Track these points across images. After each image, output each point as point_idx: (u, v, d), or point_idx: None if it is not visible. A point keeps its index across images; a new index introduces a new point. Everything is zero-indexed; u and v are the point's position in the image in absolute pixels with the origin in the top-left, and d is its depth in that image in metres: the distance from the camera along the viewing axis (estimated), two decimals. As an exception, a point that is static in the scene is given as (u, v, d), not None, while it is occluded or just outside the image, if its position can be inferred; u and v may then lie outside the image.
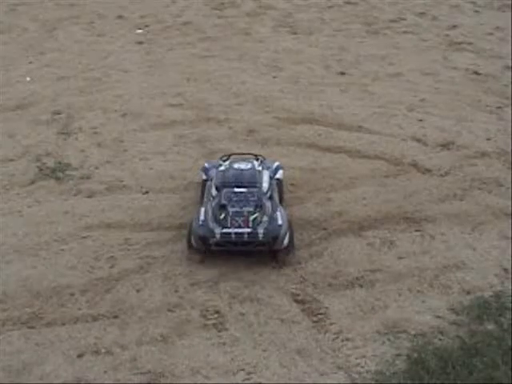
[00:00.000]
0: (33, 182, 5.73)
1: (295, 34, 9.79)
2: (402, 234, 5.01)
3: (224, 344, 4.00)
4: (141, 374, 3.78)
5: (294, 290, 4.43)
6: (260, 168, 5.06)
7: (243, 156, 5.29)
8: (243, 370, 3.82)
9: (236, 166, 5.03)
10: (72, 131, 6.61)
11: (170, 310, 4.25)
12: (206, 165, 5.38)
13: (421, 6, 11.27)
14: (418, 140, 6.40)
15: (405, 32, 9.91)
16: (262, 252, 4.60)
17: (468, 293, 4.40)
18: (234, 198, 4.61)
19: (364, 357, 3.89)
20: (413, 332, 4.06)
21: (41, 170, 5.90)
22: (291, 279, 4.54)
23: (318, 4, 11.36)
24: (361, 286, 4.46)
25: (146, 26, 10.21)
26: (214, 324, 4.15)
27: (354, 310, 4.26)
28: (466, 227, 5.09)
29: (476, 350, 3.87)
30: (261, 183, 4.84)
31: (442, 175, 5.80)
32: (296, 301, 4.34)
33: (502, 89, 7.67)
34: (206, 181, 5.16)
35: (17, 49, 9.12)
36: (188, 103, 7.19)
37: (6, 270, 4.62)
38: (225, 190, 4.69)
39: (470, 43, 9.33)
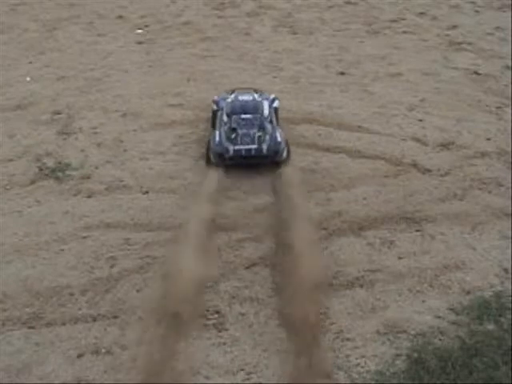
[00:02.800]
0: (33, 182, 5.73)
1: (295, 34, 9.79)
2: (401, 234, 5.00)
3: (224, 344, 4.00)
4: (141, 374, 3.78)
5: (293, 290, 4.42)
6: (260, 99, 6.22)
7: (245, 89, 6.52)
8: (243, 370, 3.82)
9: (240, 98, 6.21)
10: (72, 131, 6.61)
11: (169, 310, 4.24)
12: (216, 98, 6.44)
13: (421, 6, 11.27)
14: (418, 140, 6.40)
15: (405, 32, 9.91)
16: (267, 163, 5.72)
17: (468, 293, 4.40)
18: (242, 123, 5.81)
19: (364, 357, 3.89)
20: (413, 332, 4.06)
21: (41, 169, 5.90)
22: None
23: (317, 4, 11.36)
24: (361, 286, 4.46)
25: (146, 25, 10.21)
26: (213, 324, 4.14)
27: (354, 310, 4.26)
28: (466, 227, 5.09)
29: (476, 350, 3.87)
30: (262, 110, 6.02)
31: (441, 175, 5.80)
32: (296, 301, 4.33)
33: (501, 89, 7.67)
34: (216, 111, 6.23)
35: (17, 49, 9.13)
36: (188, 103, 7.19)
37: (6, 269, 4.62)
38: (234, 117, 5.89)
39: (469, 43, 9.33)
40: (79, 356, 3.91)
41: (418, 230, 5.05)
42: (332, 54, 8.80)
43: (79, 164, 5.99)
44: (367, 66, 8.39)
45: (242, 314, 4.22)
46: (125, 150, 6.23)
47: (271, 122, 6.00)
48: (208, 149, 5.85)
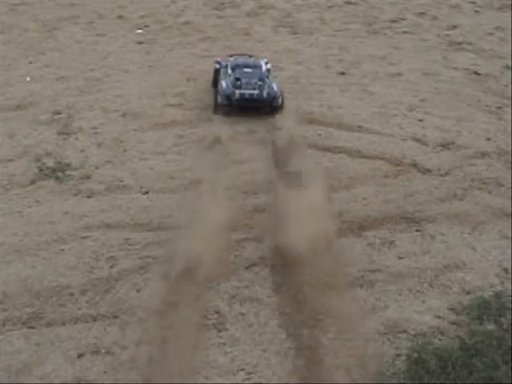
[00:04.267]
0: (33, 182, 5.72)
1: (295, 33, 9.81)
2: (401, 234, 5.00)
3: (224, 344, 3.99)
4: (141, 374, 3.78)
5: (293, 290, 4.43)
6: (255, 59, 7.47)
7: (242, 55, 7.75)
8: (243, 370, 3.82)
9: (241, 58, 7.49)
10: (72, 131, 6.61)
11: (170, 310, 4.25)
12: (219, 59, 7.52)
13: (421, 6, 11.29)
14: (418, 140, 6.41)
15: (405, 32, 9.93)
16: (265, 108, 6.78)
17: (468, 293, 4.39)
18: (245, 74, 6.90)
19: (364, 357, 3.89)
20: (413, 332, 4.06)
21: (41, 169, 5.89)
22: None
23: (318, 4, 11.37)
24: (361, 286, 4.46)
25: (146, 26, 10.22)
26: (213, 324, 4.14)
27: (354, 310, 4.26)
28: (466, 227, 5.09)
29: (476, 350, 3.87)
30: (261, 66, 7.15)
31: (442, 175, 5.80)
32: (296, 301, 4.34)
33: (501, 89, 7.69)
34: (218, 69, 7.30)
35: (17, 49, 9.14)
36: (188, 103, 7.20)
37: (6, 269, 4.62)
38: (238, 70, 6.98)
39: (469, 43, 9.35)
40: (79, 356, 3.91)
41: (418, 230, 5.05)
42: (332, 54, 8.81)
43: (79, 164, 5.98)
44: (367, 66, 8.40)
45: (242, 314, 4.22)
46: (125, 150, 6.23)
47: (267, 77, 7.07)
48: (216, 98, 6.89)
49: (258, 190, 5.50)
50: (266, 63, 7.38)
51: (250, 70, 6.99)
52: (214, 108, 6.87)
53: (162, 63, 8.51)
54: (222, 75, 7.09)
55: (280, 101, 6.83)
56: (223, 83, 6.87)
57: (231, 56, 7.58)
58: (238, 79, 6.82)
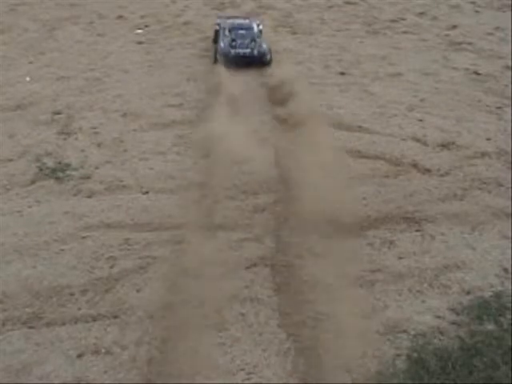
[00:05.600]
0: (33, 182, 5.72)
1: (295, 33, 9.81)
2: (401, 234, 5.00)
3: (224, 344, 3.99)
4: (141, 374, 3.78)
5: (293, 290, 4.43)
6: (250, 22, 8.82)
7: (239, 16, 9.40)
8: (243, 370, 3.82)
9: (237, 21, 8.88)
10: (72, 131, 6.61)
11: (170, 310, 4.25)
12: (218, 20, 9.04)
13: (421, 6, 11.29)
14: (418, 140, 6.41)
15: (405, 32, 9.94)
16: (256, 64, 8.17)
17: (468, 293, 4.39)
18: (239, 35, 8.36)
19: (364, 357, 3.89)
20: (413, 332, 4.06)
21: (41, 169, 5.89)
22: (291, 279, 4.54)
23: (318, 4, 11.38)
24: (361, 286, 4.46)
25: (146, 26, 10.23)
26: (214, 324, 4.14)
27: (354, 310, 4.26)
28: (466, 227, 5.09)
29: (476, 350, 3.87)
30: (253, 28, 8.56)
31: (442, 175, 5.80)
32: (296, 301, 4.34)
33: (501, 89, 7.68)
34: (217, 30, 8.75)
35: (17, 49, 9.14)
36: (188, 103, 7.20)
37: (6, 270, 4.62)
38: (233, 32, 8.42)
39: (470, 43, 9.35)
40: (79, 356, 3.90)
41: (417, 230, 5.04)
42: (332, 54, 8.81)
43: (79, 164, 5.98)
44: (367, 66, 8.40)
45: (242, 314, 4.22)
46: (125, 150, 6.23)
47: (259, 37, 8.46)
48: (215, 53, 8.35)
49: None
50: (258, 25, 8.75)
51: (243, 31, 8.44)
52: (213, 60, 8.33)
53: (162, 63, 8.52)
54: (221, 36, 8.53)
55: (268, 57, 8.26)
56: (221, 43, 8.36)
57: (229, 18, 9.15)
58: (233, 40, 8.30)
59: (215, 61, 8.25)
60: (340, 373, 3.78)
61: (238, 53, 8.20)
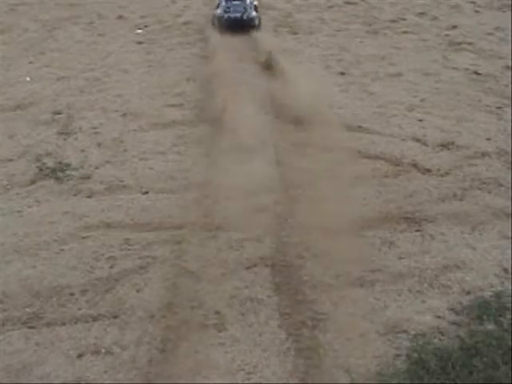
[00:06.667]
0: (33, 182, 5.73)
1: (295, 33, 9.81)
2: (401, 234, 5.00)
3: (224, 344, 3.99)
4: (141, 374, 3.78)
5: (293, 290, 4.43)
6: None
7: None
8: (243, 370, 3.82)
9: None
10: (72, 131, 6.61)
11: (170, 310, 4.25)
12: None
13: (421, 6, 11.29)
14: (418, 140, 6.41)
15: (405, 32, 9.94)
16: (246, 26, 9.77)
17: (468, 293, 4.39)
18: (233, 5, 9.87)
19: (364, 357, 3.89)
20: (413, 332, 4.06)
21: (41, 169, 5.90)
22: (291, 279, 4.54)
23: (318, 4, 11.39)
24: (361, 286, 4.46)
25: (146, 26, 10.24)
26: (214, 324, 4.14)
27: (354, 310, 4.26)
28: (466, 227, 5.09)
29: (476, 350, 3.87)
30: (245, 1, 9.97)
31: (442, 175, 5.80)
32: (296, 301, 4.34)
33: (501, 89, 7.68)
34: (219, 4, 10.10)
35: (17, 49, 9.15)
36: (188, 103, 7.20)
37: (6, 269, 4.62)
38: (229, 2, 9.91)
39: (470, 43, 9.35)
40: (79, 356, 3.90)
41: (418, 230, 5.04)
42: (332, 54, 8.81)
43: (79, 164, 5.99)
44: (367, 66, 8.40)
45: (242, 314, 4.22)
46: (125, 150, 6.24)
47: (250, 7, 9.94)
48: (213, 17, 9.98)
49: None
50: (252, 1, 10.21)
51: (237, 2, 9.95)
52: (211, 23, 10.03)
53: (162, 63, 8.52)
54: (219, 4, 10.05)
55: (256, 22, 9.89)
56: (218, 10, 9.96)
57: None
58: (228, 8, 9.87)
59: (213, 24, 9.99)
60: (340, 373, 3.78)
61: (230, 17, 9.80)
